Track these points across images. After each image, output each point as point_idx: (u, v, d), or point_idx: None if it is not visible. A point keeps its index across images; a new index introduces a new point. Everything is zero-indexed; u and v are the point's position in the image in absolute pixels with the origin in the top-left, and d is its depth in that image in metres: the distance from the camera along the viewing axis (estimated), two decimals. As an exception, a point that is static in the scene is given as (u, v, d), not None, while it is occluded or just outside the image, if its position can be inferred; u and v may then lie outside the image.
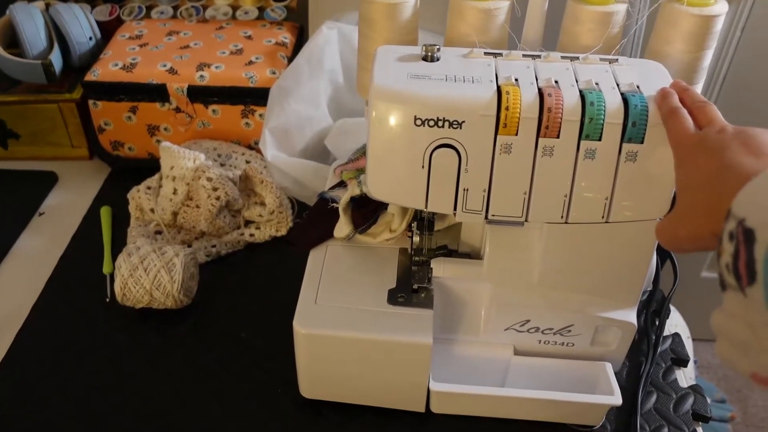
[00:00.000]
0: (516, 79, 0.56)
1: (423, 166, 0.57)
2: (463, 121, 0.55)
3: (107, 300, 0.80)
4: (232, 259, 0.86)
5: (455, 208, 0.59)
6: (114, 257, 0.83)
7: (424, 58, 0.59)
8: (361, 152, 0.76)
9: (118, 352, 0.75)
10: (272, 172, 0.88)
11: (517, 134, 0.55)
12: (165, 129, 0.97)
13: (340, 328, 0.62)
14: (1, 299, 0.82)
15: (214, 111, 0.95)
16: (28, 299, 0.81)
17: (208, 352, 0.75)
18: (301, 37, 1.08)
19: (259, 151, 0.91)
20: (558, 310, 0.65)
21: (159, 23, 1.06)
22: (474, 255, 0.68)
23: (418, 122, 0.55)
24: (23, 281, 0.84)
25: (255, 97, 0.93)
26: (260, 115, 0.94)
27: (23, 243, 0.90)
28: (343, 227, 0.69)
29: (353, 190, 0.68)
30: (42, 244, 0.89)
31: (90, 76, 0.94)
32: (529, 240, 0.64)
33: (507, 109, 0.54)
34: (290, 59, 0.97)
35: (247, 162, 0.92)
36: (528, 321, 0.66)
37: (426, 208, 0.59)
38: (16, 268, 0.86)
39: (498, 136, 0.55)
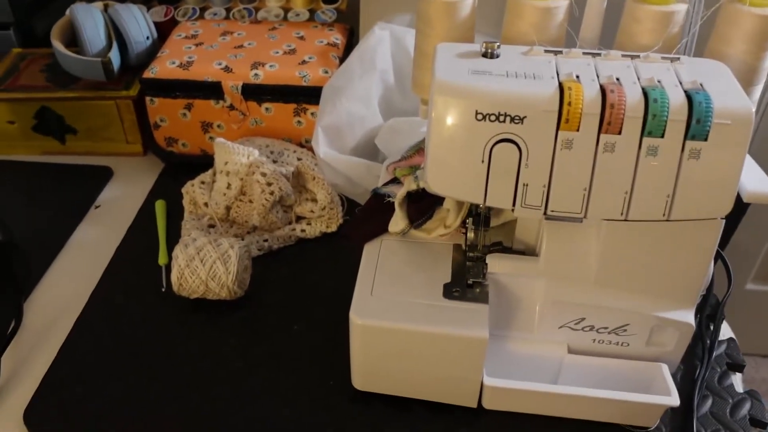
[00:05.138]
0: (577, 76, 0.56)
1: (483, 161, 0.57)
2: (525, 117, 0.55)
3: (163, 290, 0.82)
4: (283, 253, 0.88)
5: (514, 204, 0.59)
6: (169, 249, 0.85)
7: (484, 55, 0.60)
8: (415, 150, 0.77)
9: (172, 341, 0.76)
10: (323, 170, 0.89)
11: (578, 130, 0.55)
12: (218, 126, 0.99)
13: (397, 320, 0.63)
14: (59, 288, 0.84)
15: (267, 109, 0.96)
16: (86, 288, 0.83)
17: (260, 343, 0.76)
18: (351, 39, 1.09)
19: (310, 148, 0.92)
20: (614, 308, 0.65)
21: (213, 23, 1.08)
22: (528, 252, 0.68)
23: (480, 117, 0.55)
24: (81, 271, 0.86)
25: (307, 95, 0.94)
26: (312, 114, 0.95)
27: (80, 234, 0.92)
28: (398, 222, 0.70)
29: (409, 185, 0.69)
30: (98, 236, 0.92)
31: (148, 74, 0.96)
32: (587, 237, 0.63)
33: (569, 104, 0.54)
34: (341, 60, 0.99)
35: (299, 159, 0.94)
36: (583, 319, 0.66)
37: (484, 202, 0.60)
38: (74, 258, 0.89)
39: (559, 132, 0.55)
